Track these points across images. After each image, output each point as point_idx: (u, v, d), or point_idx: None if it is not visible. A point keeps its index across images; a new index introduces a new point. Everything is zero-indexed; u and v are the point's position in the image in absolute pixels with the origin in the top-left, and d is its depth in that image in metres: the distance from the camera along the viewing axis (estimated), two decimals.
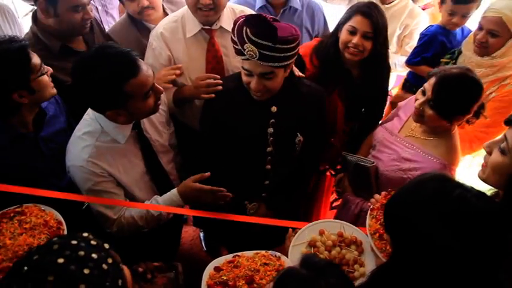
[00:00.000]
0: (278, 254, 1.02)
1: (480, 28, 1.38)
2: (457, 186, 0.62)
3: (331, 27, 1.78)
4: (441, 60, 1.60)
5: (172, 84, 1.41)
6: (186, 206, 1.27)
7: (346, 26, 1.33)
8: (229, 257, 1.02)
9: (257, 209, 1.41)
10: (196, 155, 1.36)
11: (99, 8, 1.83)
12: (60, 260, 0.57)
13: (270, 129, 1.24)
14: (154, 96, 1.06)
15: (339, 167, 1.58)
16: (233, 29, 1.08)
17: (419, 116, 1.17)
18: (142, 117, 1.12)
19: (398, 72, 2.12)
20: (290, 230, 1.06)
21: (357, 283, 0.91)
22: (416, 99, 1.17)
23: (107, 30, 1.66)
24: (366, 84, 1.43)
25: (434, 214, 0.61)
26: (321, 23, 1.76)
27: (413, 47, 1.86)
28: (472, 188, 0.63)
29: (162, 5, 1.57)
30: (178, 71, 1.35)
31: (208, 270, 0.99)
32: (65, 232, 0.94)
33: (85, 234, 0.64)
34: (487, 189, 0.89)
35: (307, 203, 1.64)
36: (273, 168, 1.32)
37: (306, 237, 1.02)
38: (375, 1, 1.90)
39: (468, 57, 1.46)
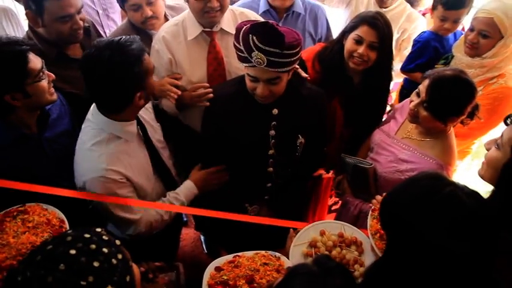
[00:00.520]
0: (278, 254, 1.03)
1: (471, 29, 1.40)
2: (449, 184, 0.64)
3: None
4: (435, 66, 1.62)
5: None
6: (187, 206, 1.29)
7: (352, 35, 1.34)
8: (229, 257, 1.03)
9: (258, 212, 1.41)
10: (198, 158, 1.37)
11: (100, 11, 1.82)
12: (72, 251, 0.59)
13: (272, 132, 1.26)
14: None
15: (332, 172, 1.58)
16: (237, 36, 1.09)
17: (413, 117, 1.19)
18: (150, 98, 1.13)
19: (394, 80, 2.13)
20: (291, 230, 1.06)
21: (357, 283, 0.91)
22: (411, 101, 1.19)
23: (108, 34, 1.68)
24: (366, 92, 1.44)
25: (425, 211, 0.62)
26: (324, 27, 1.78)
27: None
28: (465, 186, 0.64)
29: (164, 12, 1.58)
30: (177, 82, 1.36)
31: (209, 270, 0.99)
32: None
33: (98, 229, 0.66)
34: (485, 191, 0.91)
35: (305, 205, 1.64)
36: (275, 170, 1.33)
37: (307, 237, 1.03)
38: (373, 5, 1.96)
39: (459, 59, 1.48)
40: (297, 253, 1.00)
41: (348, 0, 1.99)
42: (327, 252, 1.00)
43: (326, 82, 1.42)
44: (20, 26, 1.62)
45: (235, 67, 1.41)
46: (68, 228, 0.95)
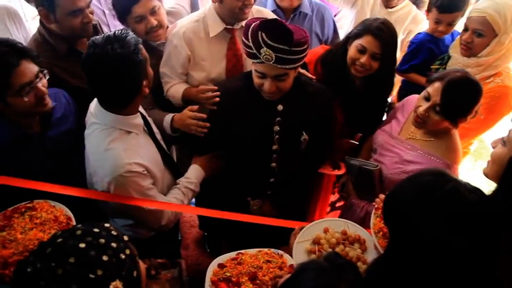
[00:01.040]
0: (280, 252, 1.04)
1: (465, 29, 1.40)
2: (451, 180, 0.64)
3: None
4: (431, 67, 1.61)
5: (190, 80, 1.46)
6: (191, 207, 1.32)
7: (356, 44, 1.33)
8: (232, 254, 1.03)
9: (261, 206, 1.42)
10: (202, 150, 1.38)
11: (107, 12, 1.81)
12: (82, 245, 0.61)
13: (276, 128, 1.27)
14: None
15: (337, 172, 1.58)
16: (246, 32, 1.11)
17: (421, 123, 1.18)
18: (151, 85, 1.12)
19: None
20: (297, 228, 1.07)
21: None
22: (418, 106, 1.18)
23: None
24: (367, 95, 1.44)
25: (428, 207, 0.62)
26: (331, 28, 1.78)
27: None
28: (467, 182, 0.64)
29: None
30: (198, 114, 1.32)
31: (212, 267, 1.00)
32: None
33: (107, 225, 0.67)
34: (489, 191, 0.90)
35: (307, 201, 1.64)
36: (279, 166, 1.34)
37: (310, 234, 1.04)
38: (379, 5, 1.96)
39: (456, 59, 1.48)
40: (300, 250, 1.00)
41: (353, 0, 1.99)
42: (330, 250, 1.01)
43: (327, 84, 1.42)
44: (23, 26, 1.64)
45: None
46: (75, 225, 0.96)
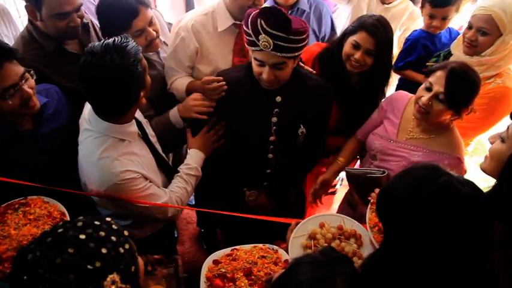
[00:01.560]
0: (275, 247, 1.04)
1: (470, 27, 1.38)
2: (444, 174, 0.63)
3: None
4: (427, 64, 1.61)
5: (196, 74, 1.45)
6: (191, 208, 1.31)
7: (351, 40, 1.34)
8: (227, 250, 1.04)
9: (257, 197, 1.42)
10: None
11: None
12: (82, 236, 0.61)
13: (274, 119, 1.27)
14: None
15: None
16: (246, 20, 1.11)
17: (424, 114, 1.15)
18: (148, 94, 1.11)
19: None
20: (293, 222, 1.07)
21: None
22: (420, 96, 1.15)
23: None
24: (363, 91, 1.45)
25: (421, 201, 0.62)
26: (328, 25, 1.78)
27: None
28: (460, 176, 0.64)
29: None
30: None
31: (207, 263, 1.00)
32: None
33: (108, 219, 0.68)
34: (486, 186, 0.90)
35: (303, 195, 1.64)
36: (275, 157, 1.34)
37: (306, 229, 1.04)
38: (375, 1, 1.95)
39: (457, 57, 1.46)
40: (296, 245, 1.00)
41: None
42: (325, 245, 1.01)
43: (325, 80, 1.43)
44: (12, 23, 1.62)
45: None
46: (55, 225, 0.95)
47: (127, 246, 0.65)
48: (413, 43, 1.75)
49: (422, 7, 1.71)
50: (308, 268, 0.60)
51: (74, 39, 1.34)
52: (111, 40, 0.96)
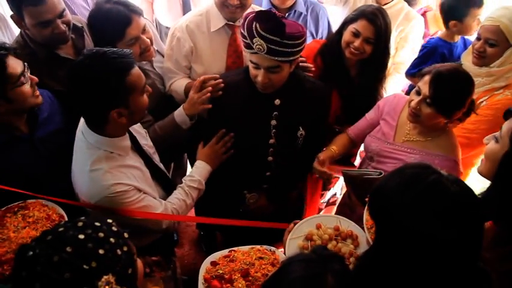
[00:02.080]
0: (273, 248, 1.04)
1: (478, 38, 1.38)
2: (434, 173, 0.64)
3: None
4: None
5: (192, 75, 1.46)
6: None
7: (351, 27, 1.37)
8: (225, 251, 1.04)
9: (257, 200, 1.43)
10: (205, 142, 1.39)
11: None
12: (81, 236, 0.62)
13: (273, 122, 1.28)
14: (146, 95, 1.05)
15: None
16: (243, 24, 1.13)
17: (415, 116, 1.16)
18: (139, 118, 1.08)
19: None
20: (292, 224, 1.07)
21: None
22: (411, 100, 1.17)
23: None
24: (362, 82, 1.46)
25: (411, 199, 0.63)
26: (325, 27, 1.80)
27: (406, 53, 1.88)
28: (449, 174, 0.65)
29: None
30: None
31: (205, 265, 1.01)
32: None
33: (109, 220, 0.69)
34: (483, 187, 0.91)
35: (302, 197, 1.65)
36: (275, 160, 1.35)
37: (303, 230, 1.04)
38: (371, 2, 1.97)
39: (466, 67, 1.44)
40: (293, 246, 1.01)
41: None
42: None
43: (326, 75, 1.44)
44: (8, 28, 1.64)
45: None
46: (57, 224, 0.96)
47: (125, 248, 0.66)
48: (430, 51, 1.74)
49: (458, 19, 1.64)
50: (300, 266, 0.61)
51: (65, 44, 1.34)
52: (105, 49, 0.95)
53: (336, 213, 1.58)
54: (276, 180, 1.40)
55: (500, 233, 0.83)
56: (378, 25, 1.32)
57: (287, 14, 1.71)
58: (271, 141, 1.30)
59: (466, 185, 0.64)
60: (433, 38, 1.79)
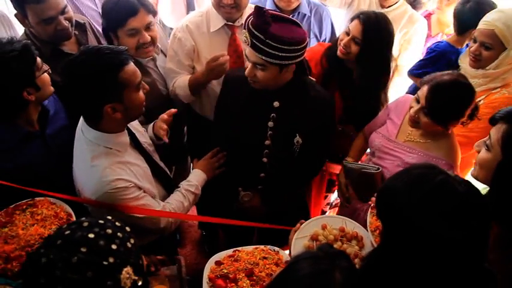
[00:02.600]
0: (277, 248, 1.05)
1: (474, 41, 1.39)
2: (441, 173, 0.65)
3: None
4: None
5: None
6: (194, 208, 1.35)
7: (346, 28, 1.42)
8: (229, 251, 1.05)
9: (251, 199, 1.43)
10: (210, 141, 1.41)
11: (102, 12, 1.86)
12: (91, 235, 0.63)
13: (270, 123, 1.28)
14: (143, 92, 1.05)
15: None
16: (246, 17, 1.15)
17: (414, 123, 1.20)
18: (136, 114, 1.08)
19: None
20: (298, 224, 1.08)
21: None
22: (410, 107, 1.20)
23: None
24: (361, 86, 1.46)
25: (418, 199, 0.63)
26: (329, 28, 1.81)
27: (410, 55, 1.88)
28: (457, 175, 0.66)
29: None
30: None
31: (210, 264, 1.02)
32: None
33: (109, 217, 0.70)
34: (481, 188, 0.91)
35: (299, 203, 1.64)
36: (270, 162, 1.35)
37: (308, 231, 1.05)
38: (375, 4, 1.98)
39: (464, 69, 1.47)
40: (298, 246, 1.02)
41: (349, 1, 2.01)
42: None
43: (328, 75, 1.45)
44: (13, 28, 1.67)
45: None
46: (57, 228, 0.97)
47: (132, 241, 0.68)
48: (438, 55, 1.73)
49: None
50: (307, 263, 0.61)
51: (68, 40, 1.36)
52: (100, 45, 0.98)
53: (337, 213, 1.59)
54: (270, 183, 1.39)
55: (503, 234, 0.83)
56: (367, 27, 1.32)
57: (291, 16, 1.72)
58: (267, 142, 1.30)
59: (472, 185, 0.65)
60: (442, 42, 1.77)
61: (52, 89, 1.13)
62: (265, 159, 1.35)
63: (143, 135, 1.24)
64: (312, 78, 1.36)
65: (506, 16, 1.31)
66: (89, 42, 1.45)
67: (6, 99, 1.04)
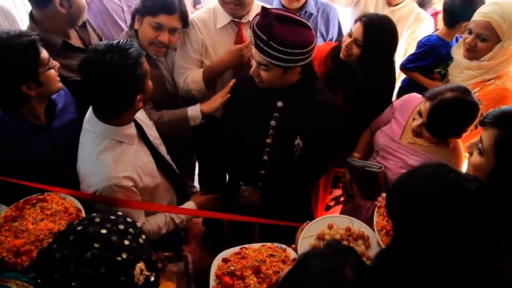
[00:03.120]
0: (284, 246, 1.05)
1: (469, 32, 1.39)
2: (452, 171, 0.65)
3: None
4: (435, 70, 1.62)
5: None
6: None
7: (349, 30, 1.41)
8: (236, 249, 1.05)
9: (251, 194, 1.43)
10: (212, 137, 1.42)
11: (125, 8, 1.83)
12: (103, 231, 0.63)
13: (272, 122, 1.28)
14: None
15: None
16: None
17: (417, 134, 1.21)
18: (147, 100, 1.13)
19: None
20: (305, 223, 1.08)
21: None
22: (413, 119, 1.21)
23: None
24: (367, 89, 1.45)
25: (430, 197, 0.63)
26: (336, 28, 1.80)
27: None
28: (467, 173, 0.66)
29: None
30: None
31: (217, 261, 1.02)
32: None
33: (120, 213, 0.70)
34: None
35: (307, 200, 1.64)
36: (270, 160, 1.35)
37: (315, 230, 1.05)
38: (382, 4, 1.97)
39: (457, 61, 1.48)
40: (305, 245, 1.02)
41: (356, 0, 2.00)
42: None
43: (332, 76, 1.45)
44: (16, 24, 1.68)
45: None
46: (84, 216, 0.98)
47: (144, 236, 0.68)
48: (429, 49, 1.72)
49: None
50: (318, 260, 0.62)
51: (76, 25, 1.39)
52: (115, 41, 0.99)
53: (340, 212, 1.59)
54: (270, 181, 1.39)
55: (507, 231, 0.83)
56: (368, 30, 1.31)
57: (298, 15, 1.71)
58: (268, 141, 1.30)
59: (483, 183, 0.65)
60: (433, 36, 1.76)
61: (60, 85, 1.14)
62: (265, 157, 1.35)
63: (150, 128, 1.25)
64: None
65: (502, 8, 1.32)
66: (89, 38, 1.48)
67: (4, 90, 1.04)
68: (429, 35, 1.80)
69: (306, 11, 1.72)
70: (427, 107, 1.13)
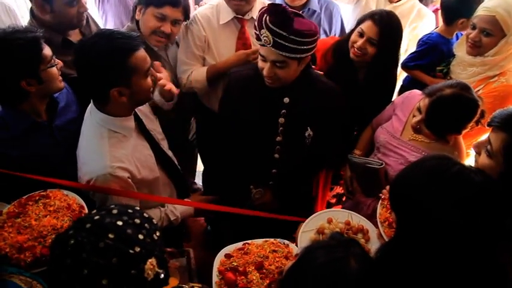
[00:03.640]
0: (286, 241, 1.06)
1: (473, 27, 1.38)
2: (456, 163, 0.65)
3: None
4: (437, 68, 1.62)
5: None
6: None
7: (358, 28, 1.39)
8: (239, 244, 1.06)
9: (263, 195, 1.44)
10: (216, 138, 1.43)
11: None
12: (119, 223, 0.64)
13: (281, 119, 1.28)
14: (151, 79, 1.07)
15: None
16: (257, 16, 1.14)
17: (417, 131, 1.21)
18: (142, 99, 1.09)
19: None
20: (306, 220, 1.09)
21: None
22: (413, 116, 1.20)
23: None
24: (368, 88, 1.45)
25: (435, 189, 0.63)
26: (338, 25, 1.80)
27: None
28: (470, 165, 0.66)
29: None
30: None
31: (219, 257, 1.03)
32: None
33: (137, 208, 0.70)
34: None
35: (309, 195, 1.65)
36: (281, 157, 1.35)
37: (314, 224, 1.06)
38: (383, 1, 1.96)
39: (460, 58, 1.46)
40: (305, 239, 1.03)
41: None
42: None
43: (333, 74, 1.44)
44: (17, 20, 1.69)
45: None
46: (87, 213, 0.98)
47: (158, 233, 0.68)
48: (431, 47, 1.72)
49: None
50: (322, 252, 0.62)
51: (79, 27, 1.39)
52: (113, 29, 1.01)
53: (341, 207, 1.60)
54: (282, 178, 1.40)
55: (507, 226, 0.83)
56: (382, 26, 1.31)
57: (301, 12, 1.71)
58: (278, 138, 1.31)
59: (488, 175, 0.65)
60: (433, 34, 1.76)
61: (62, 85, 1.14)
62: (277, 155, 1.35)
63: (153, 121, 1.24)
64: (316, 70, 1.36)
65: (507, 3, 1.31)
66: (92, 32, 1.47)
67: (3, 84, 1.04)
68: (429, 33, 1.80)
69: (309, 8, 1.71)
70: (426, 103, 1.13)
